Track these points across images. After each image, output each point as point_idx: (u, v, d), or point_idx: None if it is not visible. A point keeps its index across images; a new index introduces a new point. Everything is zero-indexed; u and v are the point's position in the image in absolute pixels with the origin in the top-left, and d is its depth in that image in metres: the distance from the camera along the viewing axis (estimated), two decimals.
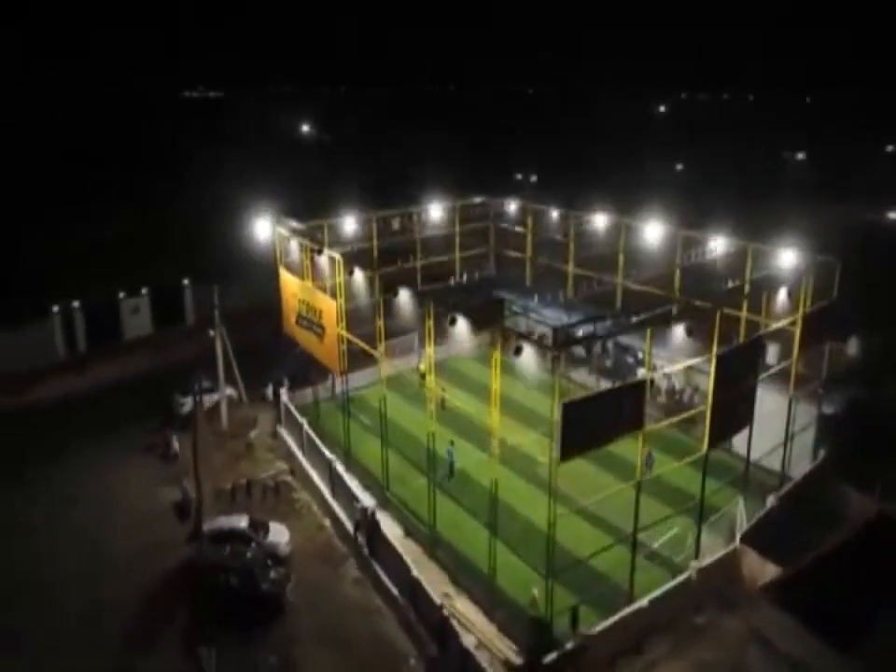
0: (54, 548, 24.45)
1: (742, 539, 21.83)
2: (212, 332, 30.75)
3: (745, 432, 25.36)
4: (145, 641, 20.66)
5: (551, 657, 17.95)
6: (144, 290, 41.35)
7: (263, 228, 28.86)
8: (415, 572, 21.33)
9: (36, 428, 31.82)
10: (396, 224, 32.97)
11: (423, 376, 33.43)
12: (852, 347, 33.34)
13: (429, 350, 21.34)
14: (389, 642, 21.00)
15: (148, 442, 30.82)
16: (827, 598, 14.76)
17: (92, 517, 26.04)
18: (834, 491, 25.10)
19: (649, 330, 19.21)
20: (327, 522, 26.58)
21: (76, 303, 38.96)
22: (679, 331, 20.87)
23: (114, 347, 40.16)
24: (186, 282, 42.77)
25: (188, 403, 33.16)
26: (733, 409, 21.52)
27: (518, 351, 17.39)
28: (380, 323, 24.17)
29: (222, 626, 20.90)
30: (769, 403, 25.59)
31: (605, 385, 32.70)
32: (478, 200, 36.66)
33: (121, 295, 40.84)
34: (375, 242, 32.32)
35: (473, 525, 23.60)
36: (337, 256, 25.09)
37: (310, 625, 21.44)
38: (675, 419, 22.23)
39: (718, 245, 29.14)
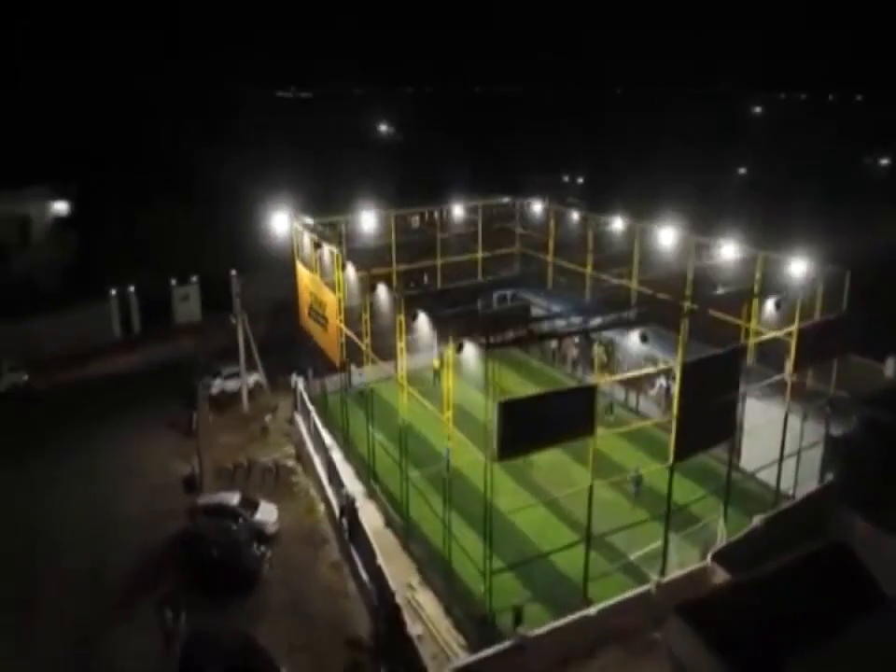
0: (69, 508, 26.75)
1: (714, 557, 21.06)
2: (233, 320, 32.57)
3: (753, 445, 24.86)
4: (128, 601, 22.41)
5: (484, 653, 18.13)
6: (194, 279, 44.15)
7: (281, 222, 30.32)
8: (380, 560, 21.95)
9: (81, 401, 34.75)
10: (415, 222, 33.58)
11: (436, 373, 34.04)
12: (889, 368, 31.07)
13: (400, 345, 21.87)
14: (351, 624, 21.77)
15: (174, 419, 33.02)
16: (739, 623, 14.15)
17: (109, 483, 28.33)
18: (836, 517, 23.78)
19: (600, 334, 18.87)
20: (321, 507, 27.62)
21: (131, 288, 42.20)
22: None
23: (164, 331, 43.16)
24: (234, 273, 45.14)
25: (215, 385, 35.42)
26: (708, 420, 20.75)
27: (460, 348, 17.66)
28: (366, 317, 24.89)
29: (200, 593, 22.41)
30: (773, 416, 24.66)
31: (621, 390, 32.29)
32: (505, 199, 36.70)
33: (173, 283, 43.80)
34: (394, 238, 33.10)
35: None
36: (335, 250, 26.05)
37: (279, 601, 22.52)
38: (629, 428, 21.80)
39: (728, 250, 28.11)
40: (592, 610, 19.33)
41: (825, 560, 16.20)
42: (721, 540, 22.17)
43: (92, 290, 42.40)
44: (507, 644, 18.20)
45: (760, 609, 14.51)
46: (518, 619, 19.17)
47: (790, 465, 25.07)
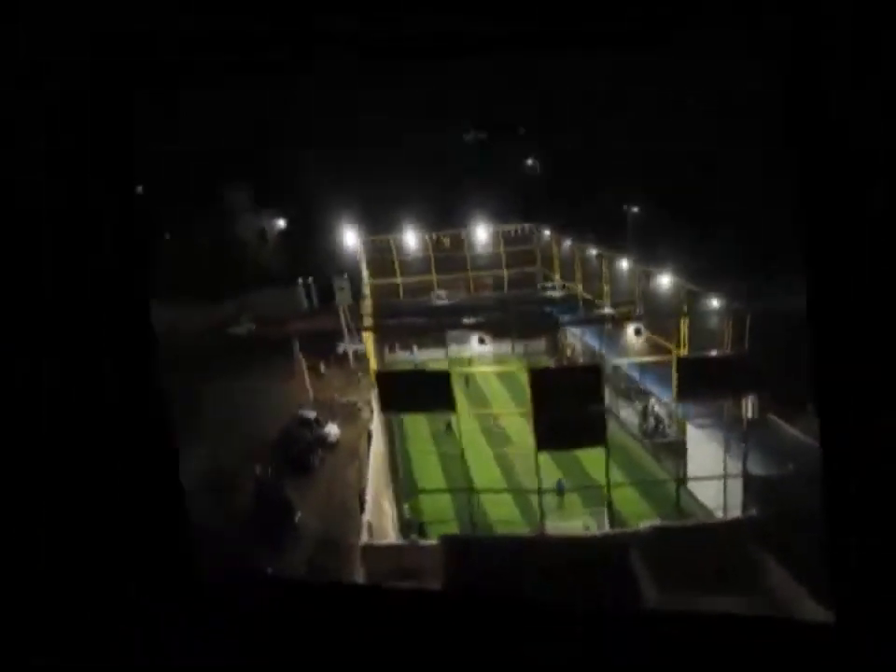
0: (240, 409, 43.75)
1: None
2: (338, 305, 48.17)
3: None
4: (250, 462, 38.57)
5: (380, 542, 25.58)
6: (345, 275, 60.84)
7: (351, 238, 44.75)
8: (370, 468, 35.25)
9: (275, 345, 52.16)
10: (447, 242, 45.35)
11: (469, 362, 45.81)
12: None
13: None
14: (348, 502, 35.73)
15: (311, 365, 49.65)
16: None
17: (265, 395, 45.35)
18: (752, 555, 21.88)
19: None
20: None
21: (310, 279, 60.99)
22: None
23: (333, 309, 60.78)
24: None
25: (340, 347, 51.84)
26: (570, 424, 23.39)
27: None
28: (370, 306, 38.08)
29: (282, 469, 38.12)
30: (697, 439, 27.94)
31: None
32: (527, 226, 46.23)
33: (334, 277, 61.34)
34: (431, 254, 45.44)
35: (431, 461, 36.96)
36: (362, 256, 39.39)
37: (319, 482, 36.96)
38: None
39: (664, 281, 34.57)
40: None
41: None
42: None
43: (295, 279, 62.19)
44: (400, 542, 25.88)
45: None
46: (421, 531, 26.84)
47: (728, 488, 25.16)
